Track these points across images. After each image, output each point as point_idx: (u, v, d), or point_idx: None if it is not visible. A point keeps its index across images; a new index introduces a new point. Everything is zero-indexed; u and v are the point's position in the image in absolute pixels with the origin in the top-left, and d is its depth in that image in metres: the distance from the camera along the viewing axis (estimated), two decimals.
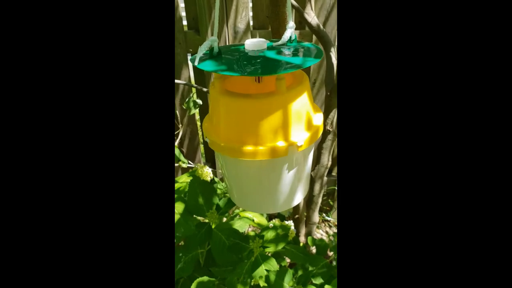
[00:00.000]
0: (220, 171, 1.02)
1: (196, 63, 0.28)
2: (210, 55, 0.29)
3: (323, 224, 1.10)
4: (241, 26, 0.81)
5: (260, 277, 0.46)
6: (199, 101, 0.71)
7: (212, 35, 0.28)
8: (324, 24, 0.80)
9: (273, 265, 0.48)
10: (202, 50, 0.28)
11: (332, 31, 0.81)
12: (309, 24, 0.56)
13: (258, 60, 0.28)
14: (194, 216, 0.53)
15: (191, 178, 0.54)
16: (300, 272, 0.52)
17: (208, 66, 0.28)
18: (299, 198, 0.36)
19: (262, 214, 0.62)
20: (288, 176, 0.33)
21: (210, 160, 1.09)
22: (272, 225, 0.55)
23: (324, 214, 1.11)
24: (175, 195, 0.53)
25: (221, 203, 0.56)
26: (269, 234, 0.52)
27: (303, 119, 0.31)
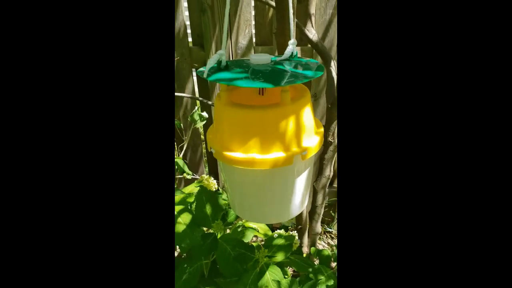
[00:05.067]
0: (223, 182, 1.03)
1: (205, 76, 0.29)
2: (218, 68, 0.30)
3: (325, 236, 1.10)
4: (244, 42, 0.84)
5: (266, 287, 0.47)
6: (205, 114, 0.72)
7: (217, 50, 0.30)
8: (323, 39, 0.83)
9: (278, 274, 0.48)
10: (211, 63, 0.29)
11: (331, 46, 0.83)
12: (310, 40, 0.58)
13: (264, 73, 0.30)
14: (200, 226, 0.54)
15: (197, 188, 0.55)
16: (306, 283, 0.52)
17: (216, 78, 0.29)
18: (300, 208, 0.37)
19: (265, 225, 0.63)
20: (290, 186, 0.33)
21: (213, 172, 1.10)
22: (277, 235, 0.56)
23: (326, 226, 1.11)
24: (182, 206, 0.54)
25: (227, 214, 0.56)
26: (274, 244, 0.53)
27: (306, 130, 0.32)
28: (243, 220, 0.63)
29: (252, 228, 0.58)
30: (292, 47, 0.32)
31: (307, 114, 0.32)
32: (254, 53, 0.87)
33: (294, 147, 0.31)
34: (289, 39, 0.33)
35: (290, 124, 0.31)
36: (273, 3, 0.52)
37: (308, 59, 0.34)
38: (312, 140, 0.32)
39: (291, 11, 0.32)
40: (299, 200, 0.35)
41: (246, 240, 0.54)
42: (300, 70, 0.31)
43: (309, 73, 0.30)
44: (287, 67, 0.31)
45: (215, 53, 0.30)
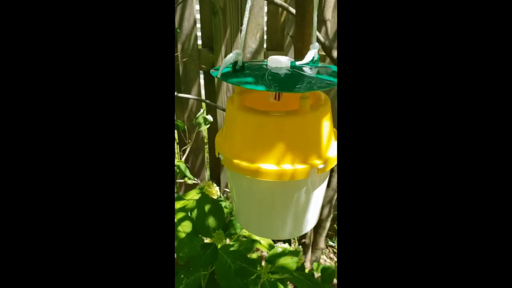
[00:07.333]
0: (228, 190, 1.00)
1: (218, 75, 0.27)
2: (234, 68, 0.28)
3: (328, 250, 1.07)
4: (254, 46, 0.83)
5: None
6: (210, 118, 0.70)
7: (227, 52, 0.28)
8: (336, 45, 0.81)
9: None
10: (227, 62, 0.27)
11: None
12: (324, 47, 0.56)
13: (281, 78, 0.28)
14: (200, 235, 0.51)
15: (199, 195, 0.52)
16: None
17: (230, 79, 0.27)
18: (312, 225, 0.34)
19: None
20: (303, 200, 0.31)
21: (215, 178, 1.08)
22: (281, 249, 0.53)
23: (328, 239, 1.08)
24: (182, 213, 0.52)
25: (229, 223, 0.54)
26: (278, 260, 0.50)
27: (324, 141, 0.30)
28: (245, 231, 0.60)
29: (254, 240, 0.55)
30: (314, 51, 0.29)
31: (327, 125, 0.30)
32: (263, 57, 0.85)
33: (310, 160, 0.28)
34: (310, 43, 0.31)
35: (307, 134, 0.28)
36: (292, 10, 0.50)
37: (328, 65, 0.32)
38: (329, 152, 0.30)
39: (315, 13, 0.29)
40: (311, 216, 0.33)
41: (247, 253, 0.52)
42: (321, 76, 0.29)
43: (331, 79, 0.28)
44: (307, 72, 0.29)
45: (226, 54, 0.28)
